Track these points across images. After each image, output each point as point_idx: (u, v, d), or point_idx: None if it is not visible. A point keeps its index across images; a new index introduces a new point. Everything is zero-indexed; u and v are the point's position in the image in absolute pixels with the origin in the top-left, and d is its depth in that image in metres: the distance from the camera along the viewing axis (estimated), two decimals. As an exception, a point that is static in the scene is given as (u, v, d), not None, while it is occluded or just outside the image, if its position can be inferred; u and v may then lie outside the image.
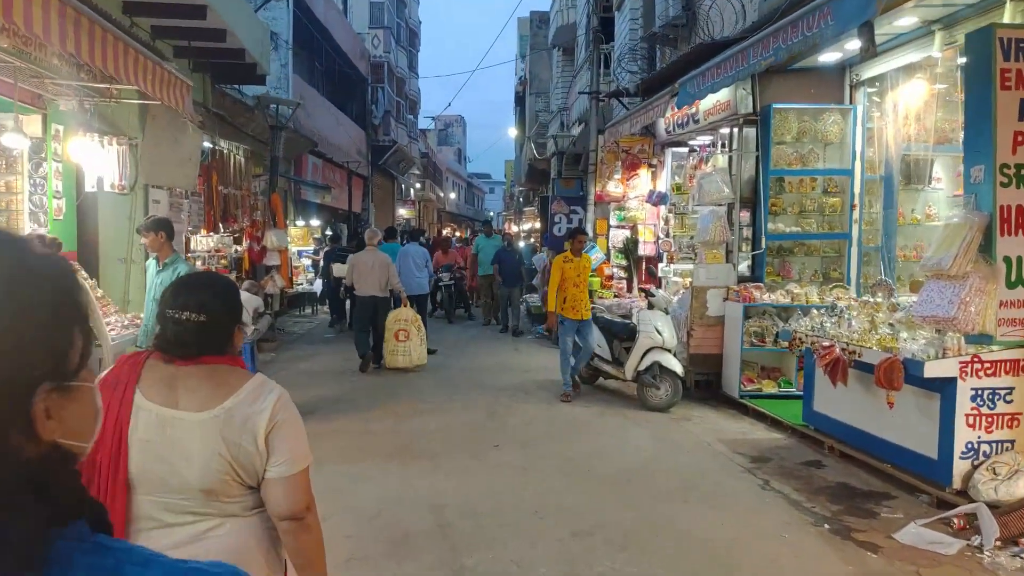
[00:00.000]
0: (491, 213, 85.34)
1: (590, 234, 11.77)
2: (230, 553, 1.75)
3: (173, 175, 8.63)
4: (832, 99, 8.43)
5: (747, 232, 8.56)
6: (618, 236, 11.60)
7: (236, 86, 12.62)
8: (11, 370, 0.71)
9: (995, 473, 4.73)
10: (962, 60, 5.86)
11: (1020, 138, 4.85)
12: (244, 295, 9.09)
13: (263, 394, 1.83)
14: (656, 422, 7.37)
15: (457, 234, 37.11)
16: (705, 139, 9.99)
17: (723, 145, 9.06)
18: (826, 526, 4.63)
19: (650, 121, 9.34)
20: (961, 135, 5.75)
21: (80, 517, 0.77)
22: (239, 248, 11.21)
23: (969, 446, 4.92)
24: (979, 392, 4.92)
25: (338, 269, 12.64)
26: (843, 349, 5.70)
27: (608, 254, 11.59)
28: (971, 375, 4.91)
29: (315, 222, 19.71)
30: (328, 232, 20.18)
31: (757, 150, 8.33)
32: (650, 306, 8.22)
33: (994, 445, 4.93)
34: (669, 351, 7.95)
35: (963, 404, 4.90)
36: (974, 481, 4.78)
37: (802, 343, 6.47)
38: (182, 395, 1.78)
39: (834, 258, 8.56)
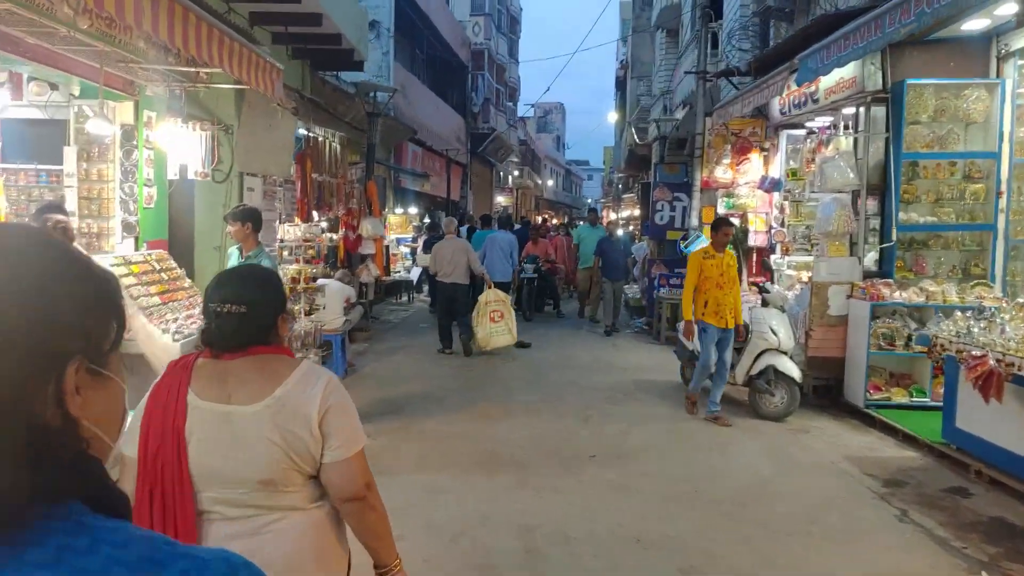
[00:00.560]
0: (589, 200, 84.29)
1: (695, 223, 11.06)
2: (289, 546, 1.79)
3: (267, 162, 8.57)
4: (975, 73, 7.45)
5: (874, 222, 7.71)
6: (726, 226, 10.85)
7: (335, 73, 12.60)
8: (52, 335, 0.76)
9: None
10: None
11: None
12: (335, 284, 8.99)
13: (313, 380, 1.86)
14: (770, 434, 6.70)
15: (554, 221, 36.58)
16: (825, 120, 9.09)
17: (846, 126, 8.20)
18: (984, 574, 3.92)
19: (764, 101, 8.57)
20: None
21: (74, 496, 0.77)
22: (334, 236, 11.16)
23: None
24: None
25: (421, 258, 13.70)
26: (998, 360, 4.89)
27: (715, 245, 10.85)
28: None
29: (413, 210, 19.69)
30: (426, 220, 20.17)
31: (887, 131, 7.46)
32: (764, 303, 7.51)
33: None
34: (785, 354, 7.23)
35: None
36: None
37: (944, 350, 5.66)
38: (233, 389, 1.80)
39: (976, 252, 7.59)
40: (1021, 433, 4.94)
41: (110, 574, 0.73)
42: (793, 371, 7.11)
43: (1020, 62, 7.13)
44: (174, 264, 6.48)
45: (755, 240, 10.58)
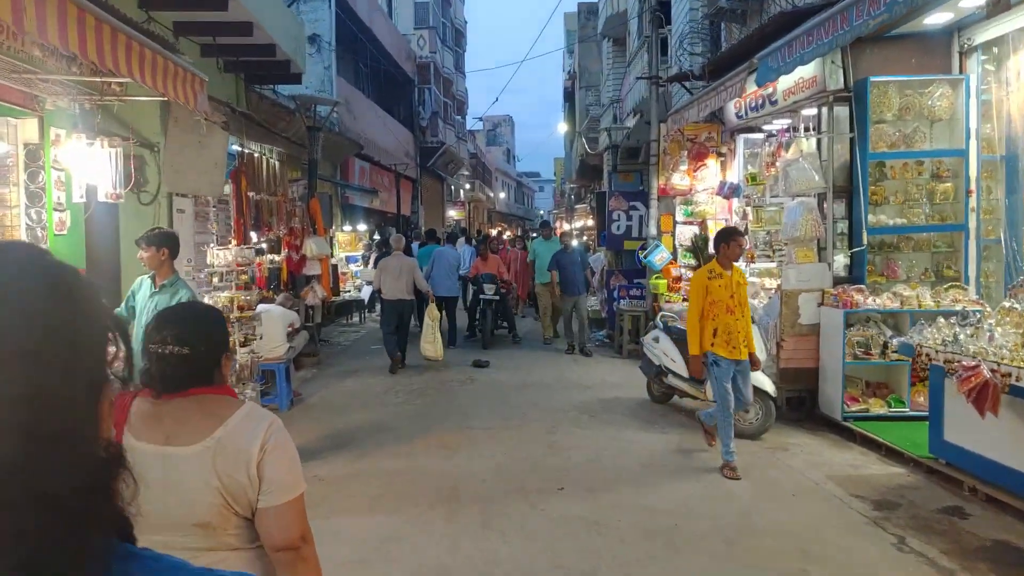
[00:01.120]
0: (541, 212, 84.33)
1: (653, 232, 10.72)
2: None
3: (198, 181, 7.92)
4: (937, 69, 7.25)
5: (842, 226, 7.43)
6: (685, 233, 10.50)
7: (272, 87, 11.97)
8: (98, 362, 0.77)
9: None
10: None
11: None
12: (278, 310, 8.35)
13: (255, 422, 1.80)
14: (747, 454, 6.29)
15: (508, 234, 36.17)
16: (783, 122, 8.85)
17: (807, 128, 7.93)
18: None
19: (721, 104, 8.27)
20: None
21: (118, 525, 0.78)
22: (276, 258, 10.51)
23: None
24: None
25: (370, 275, 13.48)
26: (993, 371, 4.56)
27: (675, 253, 10.51)
28: None
29: (362, 227, 19.05)
30: (376, 237, 19.54)
31: (852, 131, 7.20)
32: (732, 315, 7.13)
33: None
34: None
35: None
36: None
37: (930, 360, 5.34)
38: (172, 430, 1.76)
39: (948, 253, 7.36)
40: (1019, 447, 4.62)
41: None
42: (767, 385, 6.75)
43: (983, 57, 6.95)
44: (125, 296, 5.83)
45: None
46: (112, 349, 0.79)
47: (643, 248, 10.80)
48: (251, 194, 8.71)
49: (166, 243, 4.58)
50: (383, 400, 8.45)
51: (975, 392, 4.60)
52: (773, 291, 8.90)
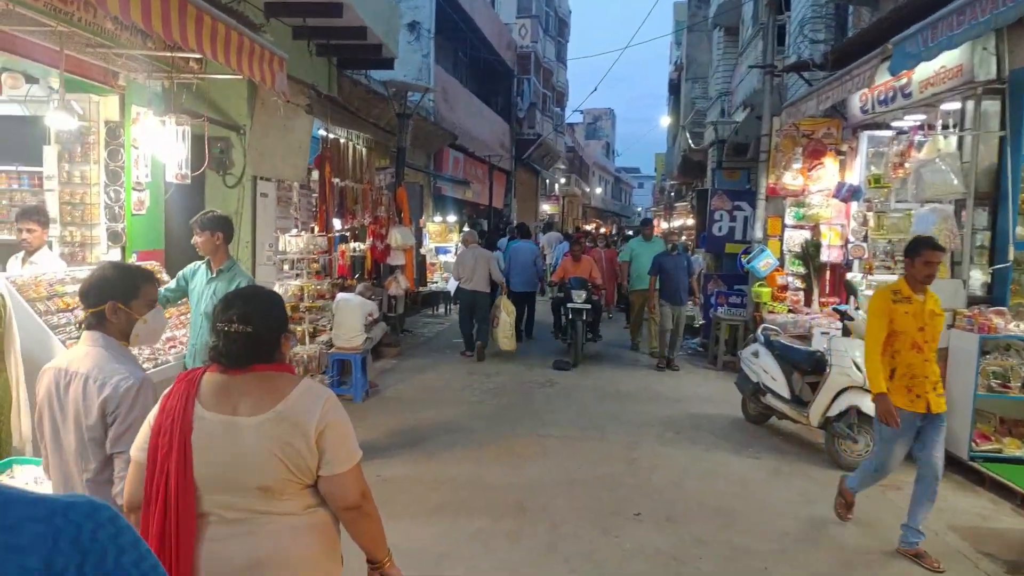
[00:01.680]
0: (639, 209, 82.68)
1: (759, 235, 9.90)
2: (281, 546, 1.93)
3: (282, 166, 7.77)
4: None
5: (983, 238, 6.50)
6: (795, 238, 9.63)
7: (364, 72, 11.81)
8: None
9: None
10: None
11: None
12: (357, 299, 8.08)
13: (312, 398, 1.99)
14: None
15: (603, 230, 35.25)
16: (916, 118, 7.90)
17: (945, 125, 7.00)
18: None
19: (845, 96, 7.41)
20: None
21: None
22: (361, 246, 10.34)
23: None
24: None
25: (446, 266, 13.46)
26: None
27: (781, 260, 9.66)
28: None
29: (453, 218, 18.85)
30: (466, 229, 19.31)
31: (1003, 129, 6.26)
32: (845, 331, 6.37)
33: None
34: (870, 392, 6.08)
35: None
36: None
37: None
38: (238, 402, 1.95)
39: (1110, 275, 6.32)
40: None
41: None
42: (882, 414, 5.95)
43: None
44: (167, 277, 5.69)
45: (829, 256, 9.37)
46: None
47: (747, 252, 10.00)
48: (336, 180, 8.50)
49: (220, 227, 4.32)
50: (458, 398, 8.09)
51: None
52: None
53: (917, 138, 7.59)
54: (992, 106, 6.33)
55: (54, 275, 4.50)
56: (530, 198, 31.93)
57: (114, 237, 5.48)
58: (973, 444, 5.91)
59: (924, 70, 6.82)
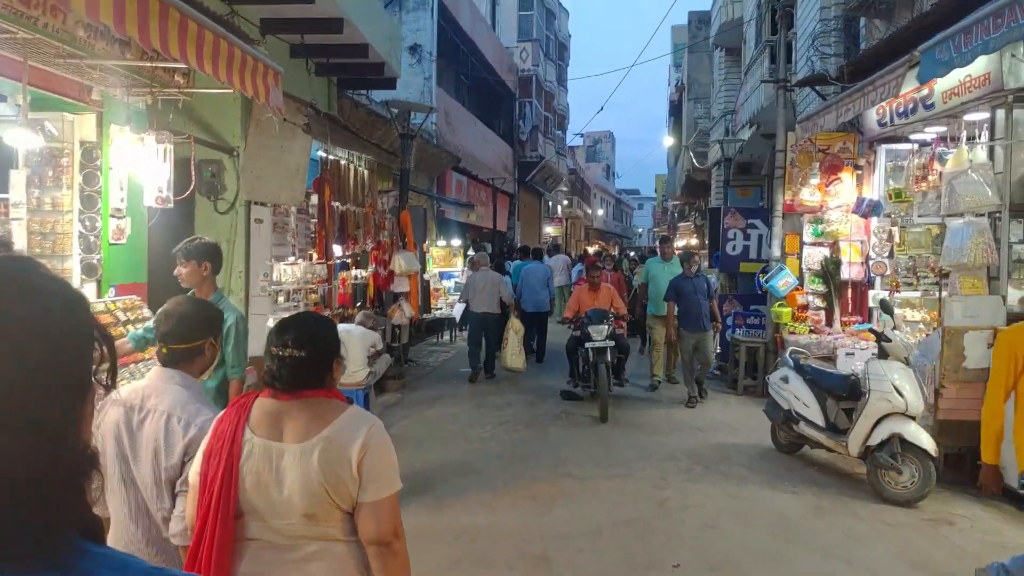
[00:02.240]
0: (640, 230, 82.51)
1: (776, 253, 9.51)
2: (330, 572, 1.95)
3: (278, 189, 7.40)
4: None
5: (1021, 251, 6.13)
6: (814, 256, 9.24)
7: (365, 93, 11.52)
8: (79, 366, 0.84)
9: None
10: None
11: None
12: (358, 331, 7.61)
13: (357, 424, 2.00)
14: (902, 527, 5.13)
15: (592, 249, 34.87)
16: (936, 130, 7.56)
17: (971, 136, 6.65)
18: None
19: (867, 107, 7.04)
20: None
21: (84, 522, 0.81)
22: (362, 273, 9.96)
23: None
24: None
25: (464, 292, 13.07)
26: None
27: (801, 278, 9.27)
28: None
29: (457, 242, 18.50)
30: (471, 252, 18.98)
31: (1039, 137, 5.91)
32: (882, 353, 5.95)
33: None
34: (913, 419, 5.67)
35: None
36: None
37: None
38: (286, 427, 1.97)
39: None
40: None
41: None
42: (927, 443, 5.54)
43: None
44: (148, 313, 5.28)
45: (849, 273, 8.99)
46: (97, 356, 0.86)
47: (764, 271, 9.61)
48: (336, 204, 8.14)
49: (208, 256, 3.93)
50: (468, 434, 7.64)
51: None
52: (919, 323, 7.61)
53: (939, 150, 7.25)
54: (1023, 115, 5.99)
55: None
56: (533, 220, 31.66)
57: (89, 270, 5.08)
58: (1026, 473, 5.46)
59: (948, 80, 6.46)
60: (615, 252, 35.74)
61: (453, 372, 11.51)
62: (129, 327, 5.06)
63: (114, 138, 4.98)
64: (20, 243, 4.94)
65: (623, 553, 4.70)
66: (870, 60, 8.03)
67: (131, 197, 5.50)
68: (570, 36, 36.78)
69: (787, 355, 7.10)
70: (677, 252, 10.86)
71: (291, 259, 7.40)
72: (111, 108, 5.25)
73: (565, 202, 36.88)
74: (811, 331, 8.86)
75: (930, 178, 7.41)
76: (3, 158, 5.05)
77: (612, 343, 8.55)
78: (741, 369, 9.65)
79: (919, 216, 8.13)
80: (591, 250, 27.62)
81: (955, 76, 6.23)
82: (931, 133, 7.74)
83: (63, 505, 0.76)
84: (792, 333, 8.86)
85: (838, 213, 9.10)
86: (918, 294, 8.32)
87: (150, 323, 4.22)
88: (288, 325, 2.07)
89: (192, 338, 2.39)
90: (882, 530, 5.09)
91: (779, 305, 9.12)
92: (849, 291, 9.09)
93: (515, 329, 10.34)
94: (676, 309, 9.14)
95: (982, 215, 6.25)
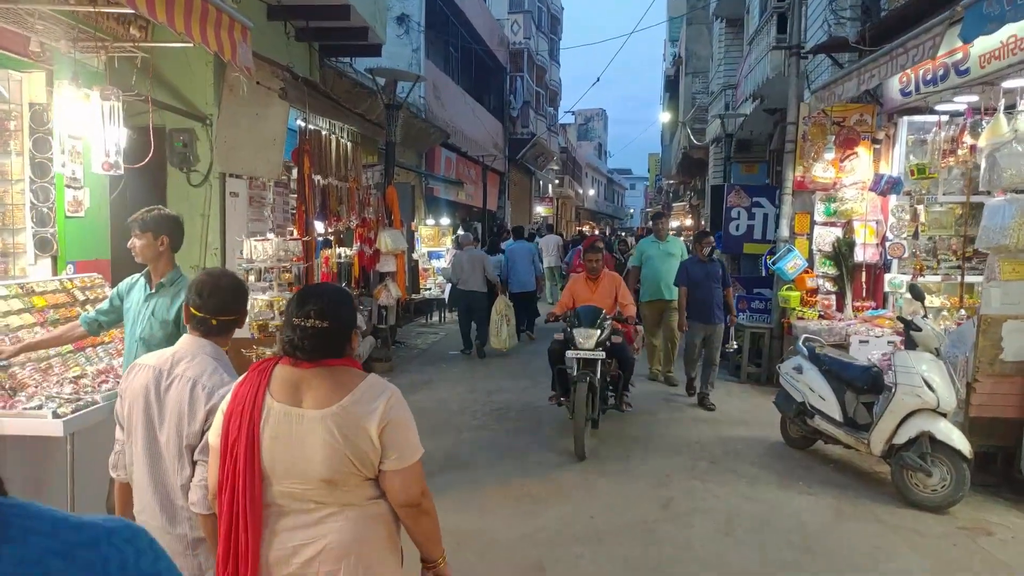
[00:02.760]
0: (632, 210, 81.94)
1: (784, 233, 9.00)
2: (346, 536, 1.98)
3: (254, 160, 6.82)
4: None
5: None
6: (825, 236, 8.72)
7: (349, 60, 10.89)
8: None
9: None
10: None
11: None
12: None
13: (376, 393, 2.02)
14: (935, 536, 4.67)
15: (595, 232, 34.25)
16: (967, 99, 7.04)
17: (1011, 105, 6.13)
18: None
19: (897, 72, 6.46)
20: None
21: None
22: (347, 252, 9.39)
23: None
24: None
25: (445, 273, 13.31)
26: None
27: (811, 260, 8.77)
28: None
29: (446, 220, 17.91)
30: (460, 232, 18.41)
31: (1090, 106, 5.39)
32: (910, 343, 5.47)
33: None
34: (944, 416, 5.20)
35: None
36: None
37: None
38: (305, 394, 1.99)
39: None
40: None
41: (48, 567, 0.76)
42: (959, 442, 5.06)
43: None
44: (109, 291, 4.73)
45: (864, 255, 8.50)
46: None
47: (771, 253, 9.09)
48: (317, 178, 7.55)
49: (166, 229, 3.37)
50: (457, 423, 7.14)
51: None
52: (950, 311, 7.14)
53: (972, 120, 6.74)
54: (1077, 79, 5.46)
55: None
56: (524, 200, 31.06)
57: (43, 244, 4.53)
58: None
59: (987, 41, 5.91)
60: (606, 232, 35.16)
61: (442, 355, 11.02)
62: (88, 307, 4.52)
63: (54, 94, 4.38)
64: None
65: (626, 562, 4.22)
66: (895, 21, 7.49)
67: (89, 165, 4.92)
68: (562, 8, 35.98)
69: (800, 343, 6.60)
70: (688, 234, 10.16)
71: (270, 235, 6.84)
72: (62, 66, 4.65)
73: (556, 181, 36.26)
74: (821, 316, 8.36)
75: (959, 152, 6.91)
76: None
77: (602, 354, 6.35)
78: (744, 356, 9.16)
79: (944, 194, 7.65)
80: (585, 230, 27.14)
81: (997, 37, 5.67)
82: (960, 103, 7.21)
83: None
84: (801, 319, 8.37)
85: (853, 191, 8.58)
86: (938, 278, 7.85)
87: (103, 304, 3.69)
88: (308, 296, 2.06)
89: (238, 309, 2.50)
90: (912, 539, 4.63)
91: (787, 289, 8.62)
92: (863, 274, 8.59)
93: (498, 309, 10.60)
94: (688, 296, 7.95)
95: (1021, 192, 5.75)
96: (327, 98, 7.13)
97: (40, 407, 3.15)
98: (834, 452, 6.20)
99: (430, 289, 14.57)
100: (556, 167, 35.24)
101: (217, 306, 2.40)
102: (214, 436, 2.06)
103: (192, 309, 2.41)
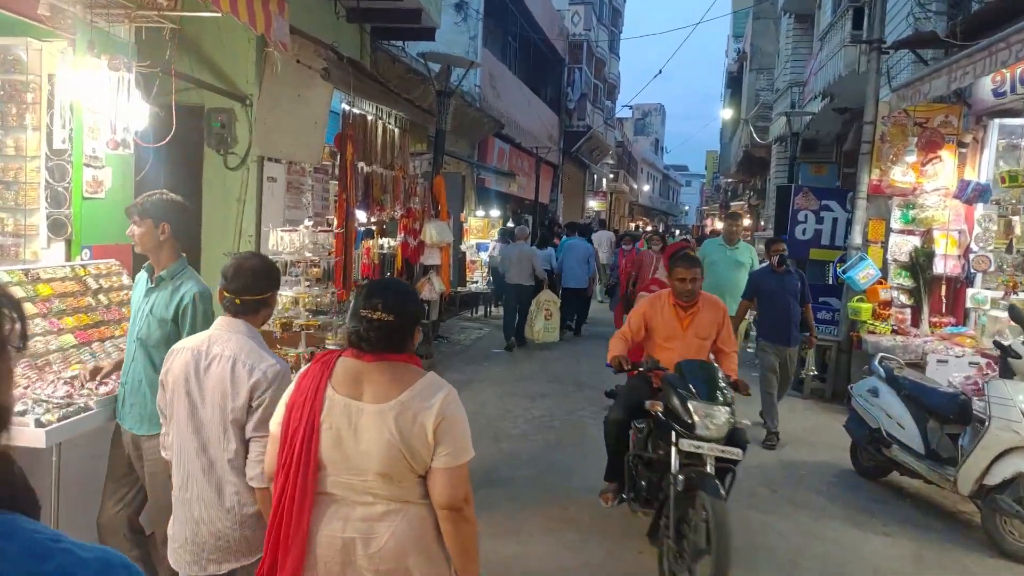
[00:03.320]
0: (686, 207, 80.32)
1: (857, 240, 8.33)
2: (409, 534, 2.00)
3: (294, 144, 6.52)
4: None
5: None
6: (902, 245, 8.04)
7: (401, 45, 10.56)
8: None
9: None
10: None
11: None
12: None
13: (434, 391, 2.05)
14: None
15: (649, 228, 33.28)
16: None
17: None
18: None
19: (996, 68, 5.81)
20: None
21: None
22: (390, 243, 9.07)
23: None
24: None
25: (493, 261, 13.39)
26: None
27: (885, 270, 8.10)
28: None
29: (496, 212, 17.53)
30: (512, 224, 18.00)
31: None
32: (1008, 371, 4.85)
33: None
34: None
35: None
36: None
37: None
38: (366, 388, 2.03)
39: None
40: None
41: None
42: (1062, 487, 4.45)
43: None
44: (128, 281, 4.44)
45: (944, 267, 7.80)
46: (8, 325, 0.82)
47: (842, 260, 8.45)
48: (360, 165, 7.22)
49: (168, 215, 3.03)
50: (496, 430, 6.75)
51: None
52: None
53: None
54: None
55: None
56: (576, 194, 30.50)
57: (56, 227, 4.24)
58: None
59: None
60: (659, 229, 34.33)
61: (484, 353, 10.65)
62: (101, 296, 4.24)
63: (57, 63, 4.08)
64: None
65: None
66: (990, 15, 6.81)
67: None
68: (624, 1, 35.19)
69: (876, 363, 6.00)
70: (747, 234, 8.92)
71: (307, 223, 6.53)
72: (85, 36, 4.36)
73: (611, 175, 35.56)
74: (894, 331, 7.72)
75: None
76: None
77: (740, 453, 3.88)
78: (808, 369, 8.54)
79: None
80: (646, 227, 26.45)
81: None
82: (1060, 105, 6.51)
83: None
84: (872, 333, 7.74)
85: (935, 197, 7.88)
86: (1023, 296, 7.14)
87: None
88: (376, 289, 2.11)
89: (262, 290, 2.58)
90: (1006, 596, 4.06)
91: (857, 300, 7.98)
92: (942, 288, 7.89)
93: (539, 301, 11.16)
94: (761, 313, 6.95)
95: None
96: (374, 80, 6.77)
97: (24, 413, 2.83)
98: (911, 485, 5.61)
99: (477, 283, 14.22)
100: (611, 161, 34.53)
101: (239, 287, 2.51)
102: (275, 424, 2.12)
103: (221, 290, 2.55)
